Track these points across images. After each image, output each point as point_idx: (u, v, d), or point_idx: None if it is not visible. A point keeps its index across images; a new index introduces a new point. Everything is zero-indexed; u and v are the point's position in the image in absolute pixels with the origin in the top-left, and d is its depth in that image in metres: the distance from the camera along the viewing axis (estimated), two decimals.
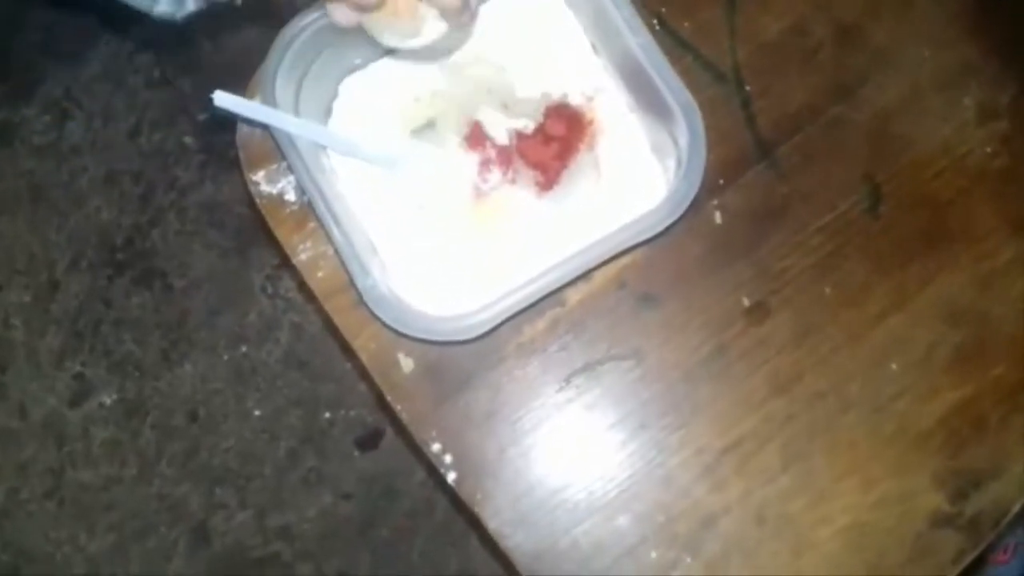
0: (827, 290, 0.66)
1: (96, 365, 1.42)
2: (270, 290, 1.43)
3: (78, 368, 1.42)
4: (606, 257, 0.58)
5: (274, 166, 0.68)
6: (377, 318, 0.59)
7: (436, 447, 0.65)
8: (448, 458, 0.65)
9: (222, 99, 0.59)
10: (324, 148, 0.67)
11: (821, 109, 0.69)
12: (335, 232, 0.59)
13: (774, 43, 0.70)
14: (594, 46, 0.67)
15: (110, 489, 1.39)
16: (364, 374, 0.67)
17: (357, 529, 1.38)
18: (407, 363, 0.66)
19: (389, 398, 0.66)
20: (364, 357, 0.66)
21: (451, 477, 0.65)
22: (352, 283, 0.59)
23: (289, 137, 0.61)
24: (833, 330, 0.66)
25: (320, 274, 0.67)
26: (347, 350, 0.67)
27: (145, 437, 1.40)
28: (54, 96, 1.49)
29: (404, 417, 0.66)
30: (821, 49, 0.70)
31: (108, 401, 1.41)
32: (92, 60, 1.50)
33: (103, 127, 1.48)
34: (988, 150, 0.69)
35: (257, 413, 1.41)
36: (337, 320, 0.67)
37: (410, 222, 0.66)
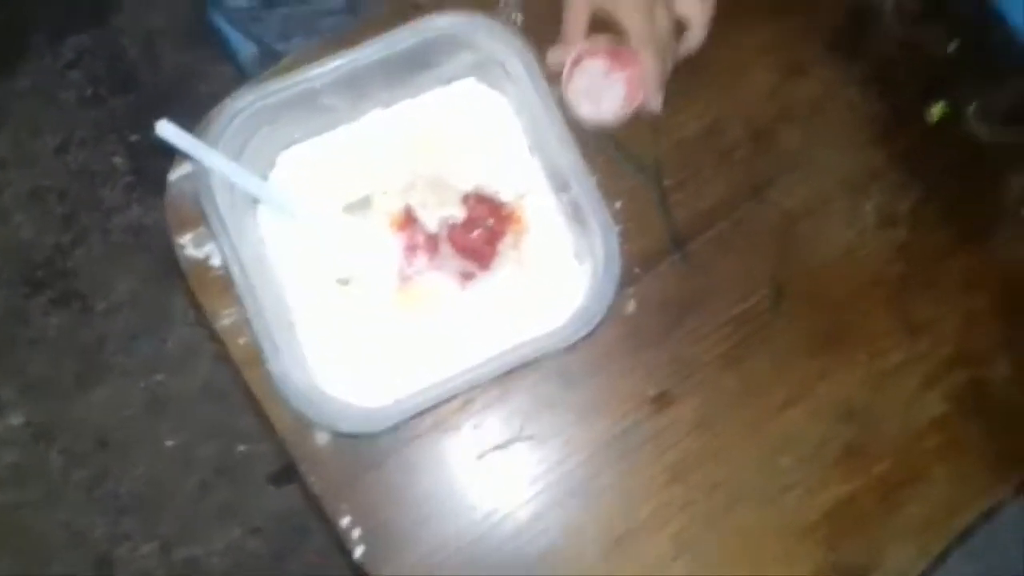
0: (731, 382, 0.69)
1: (7, 385, 1.39)
2: (192, 318, 1.42)
3: None
4: (517, 364, 0.61)
5: (201, 229, 0.69)
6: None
7: (345, 521, 0.66)
8: (356, 532, 0.66)
9: (164, 129, 0.59)
10: (253, 215, 0.68)
11: (734, 206, 0.72)
12: (249, 304, 0.60)
13: (693, 140, 0.73)
14: (531, 147, 0.70)
15: (13, 514, 1.36)
16: (278, 442, 0.68)
17: (266, 564, 1.37)
18: (321, 436, 0.67)
19: (301, 469, 0.67)
20: (278, 427, 0.67)
21: (358, 551, 0.66)
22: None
23: (212, 197, 0.62)
24: (734, 421, 0.69)
25: (241, 340, 0.68)
26: (262, 416, 0.68)
27: (52, 462, 1.37)
28: None
29: (316, 489, 0.67)
30: (737, 149, 0.73)
31: (16, 423, 1.38)
32: (23, 73, 1.47)
33: (30, 140, 1.46)
34: (886, 256, 0.73)
35: (170, 443, 1.39)
36: (254, 388, 0.67)
37: (332, 299, 0.68)
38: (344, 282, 0.69)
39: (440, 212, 0.69)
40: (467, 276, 0.68)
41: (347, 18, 0.80)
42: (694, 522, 0.67)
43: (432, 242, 0.69)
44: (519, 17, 0.73)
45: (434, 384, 0.60)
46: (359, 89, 0.67)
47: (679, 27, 0.71)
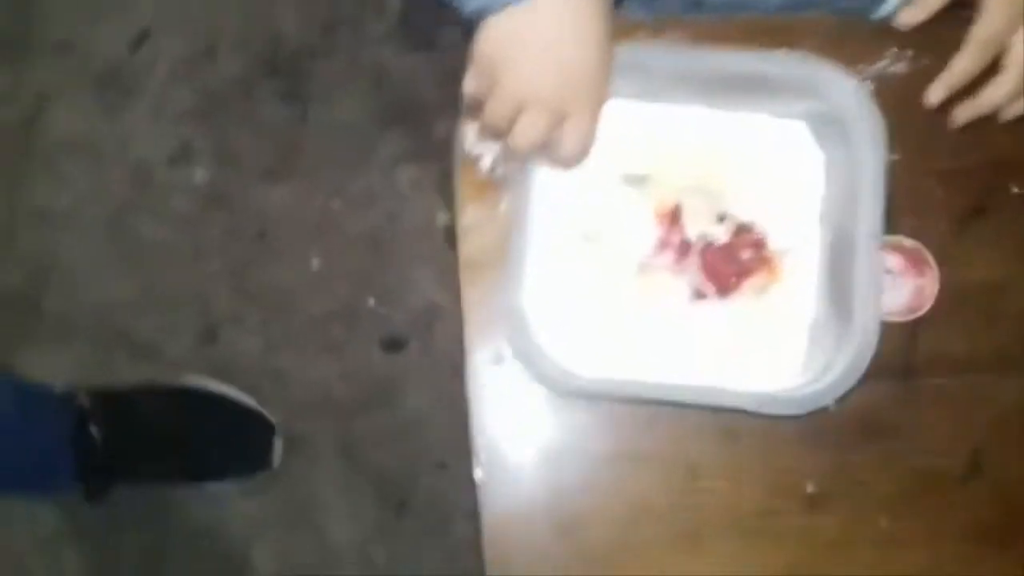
0: (884, 524, 0.68)
1: (207, 141, 1.46)
2: (386, 170, 1.46)
3: (190, 136, 1.45)
4: (710, 406, 0.62)
5: None
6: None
7: (480, 440, 0.68)
8: (484, 455, 0.68)
9: None
10: None
11: (978, 368, 0.70)
12: (516, 229, 0.63)
13: (973, 286, 0.70)
14: (822, 215, 0.68)
15: (159, 252, 1.44)
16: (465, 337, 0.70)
17: (339, 412, 1.42)
18: (505, 352, 0.68)
19: (469, 371, 0.69)
20: (469, 328, 0.69)
21: (477, 474, 0.68)
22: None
23: None
24: (866, 558, 0.68)
25: (472, 241, 0.70)
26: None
27: (212, 229, 1.44)
28: None
29: (471, 392, 0.69)
30: (1012, 316, 0.71)
31: (199, 180, 1.45)
32: None
33: None
34: None
35: (316, 265, 1.44)
36: (465, 290, 0.69)
37: (572, 250, 0.69)
38: (589, 239, 0.69)
39: (704, 226, 0.69)
40: (700, 295, 0.68)
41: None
42: None
43: (685, 248, 0.69)
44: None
45: (636, 383, 0.61)
46: (696, 83, 0.67)
47: None
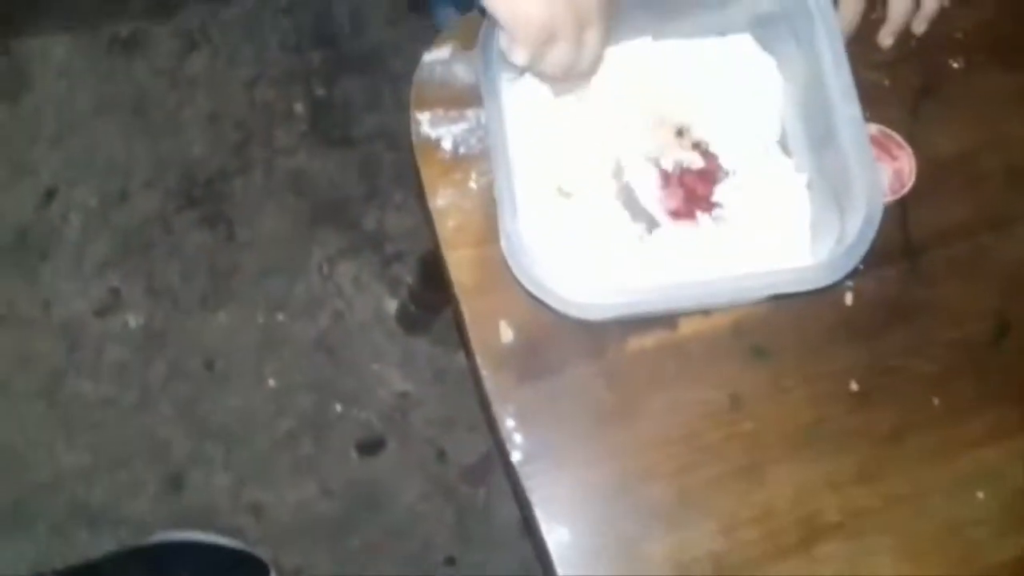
0: (933, 404, 0.66)
1: (134, 285, 1.40)
2: (325, 270, 1.43)
3: (116, 282, 1.40)
4: (742, 296, 0.60)
5: (440, 112, 0.69)
6: (509, 270, 0.58)
7: (510, 423, 0.64)
8: (518, 437, 0.63)
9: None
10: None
11: (974, 232, 0.70)
12: (500, 163, 0.59)
13: (944, 159, 0.71)
14: (785, 117, 0.69)
15: (101, 409, 1.36)
16: (461, 334, 0.66)
17: (329, 531, 1.33)
18: (507, 332, 0.65)
19: (479, 362, 0.65)
20: (468, 316, 0.66)
21: (515, 457, 0.63)
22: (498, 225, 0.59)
23: (492, 70, 0.62)
24: (928, 441, 0.65)
25: (451, 223, 0.67)
26: (454, 304, 0.67)
27: (155, 370, 1.37)
28: (189, 26, 1.52)
29: (487, 386, 0.65)
30: (988, 179, 0.71)
31: (133, 324, 1.39)
32: (237, 5, 1.53)
33: (224, 69, 1.51)
34: None
35: (271, 383, 1.38)
36: (454, 273, 0.66)
37: (550, 210, 0.67)
38: (564, 193, 0.68)
39: (677, 154, 0.68)
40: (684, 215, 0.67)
41: None
42: (871, 529, 0.63)
43: (664, 177, 0.68)
44: None
45: (648, 290, 0.58)
46: (641, 13, 0.67)
47: None
